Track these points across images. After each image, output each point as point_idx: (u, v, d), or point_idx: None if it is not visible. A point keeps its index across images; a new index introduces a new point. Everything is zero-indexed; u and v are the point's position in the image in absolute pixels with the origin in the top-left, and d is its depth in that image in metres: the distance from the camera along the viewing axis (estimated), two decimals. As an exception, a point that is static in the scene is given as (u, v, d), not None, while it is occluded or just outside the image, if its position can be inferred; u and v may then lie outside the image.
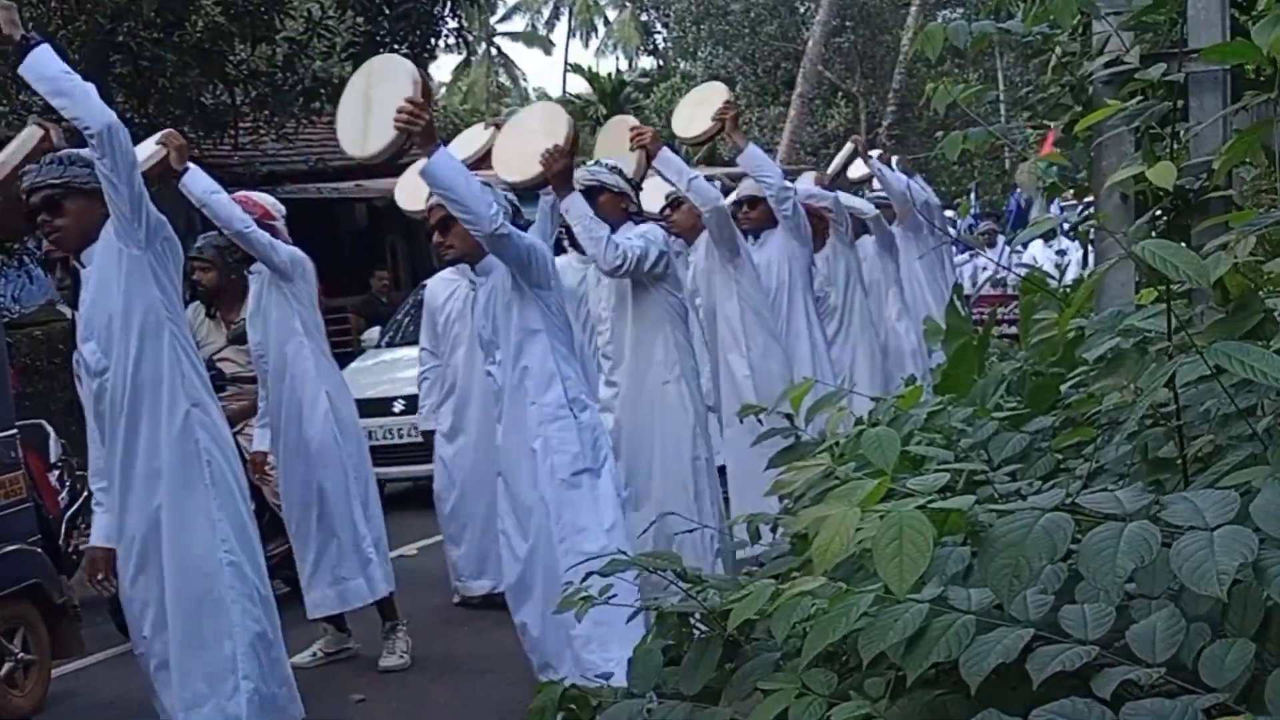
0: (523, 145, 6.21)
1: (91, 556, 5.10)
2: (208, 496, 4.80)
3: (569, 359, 5.61)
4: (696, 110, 7.54)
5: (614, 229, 6.20)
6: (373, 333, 13.73)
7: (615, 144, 7.00)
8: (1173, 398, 2.24)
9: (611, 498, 5.57)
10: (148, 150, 5.93)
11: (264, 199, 7.02)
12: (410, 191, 7.69)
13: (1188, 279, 1.93)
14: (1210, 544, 1.58)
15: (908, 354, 9.78)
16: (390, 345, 12.93)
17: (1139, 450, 2.40)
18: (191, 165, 6.24)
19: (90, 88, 4.49)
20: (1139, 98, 3.13)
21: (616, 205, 6.44)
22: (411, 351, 9.77)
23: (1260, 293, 2.29)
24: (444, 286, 8.22)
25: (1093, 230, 4.20)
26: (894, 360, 9.65)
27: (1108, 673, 1.72)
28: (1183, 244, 2.13)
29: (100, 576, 5.06)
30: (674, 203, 7.87)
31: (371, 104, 5.22)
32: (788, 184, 7.81)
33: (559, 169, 5.92)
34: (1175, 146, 2.94)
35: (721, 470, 7.69)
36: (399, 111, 4.97)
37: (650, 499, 6.43)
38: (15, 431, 6.73)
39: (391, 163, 5.39)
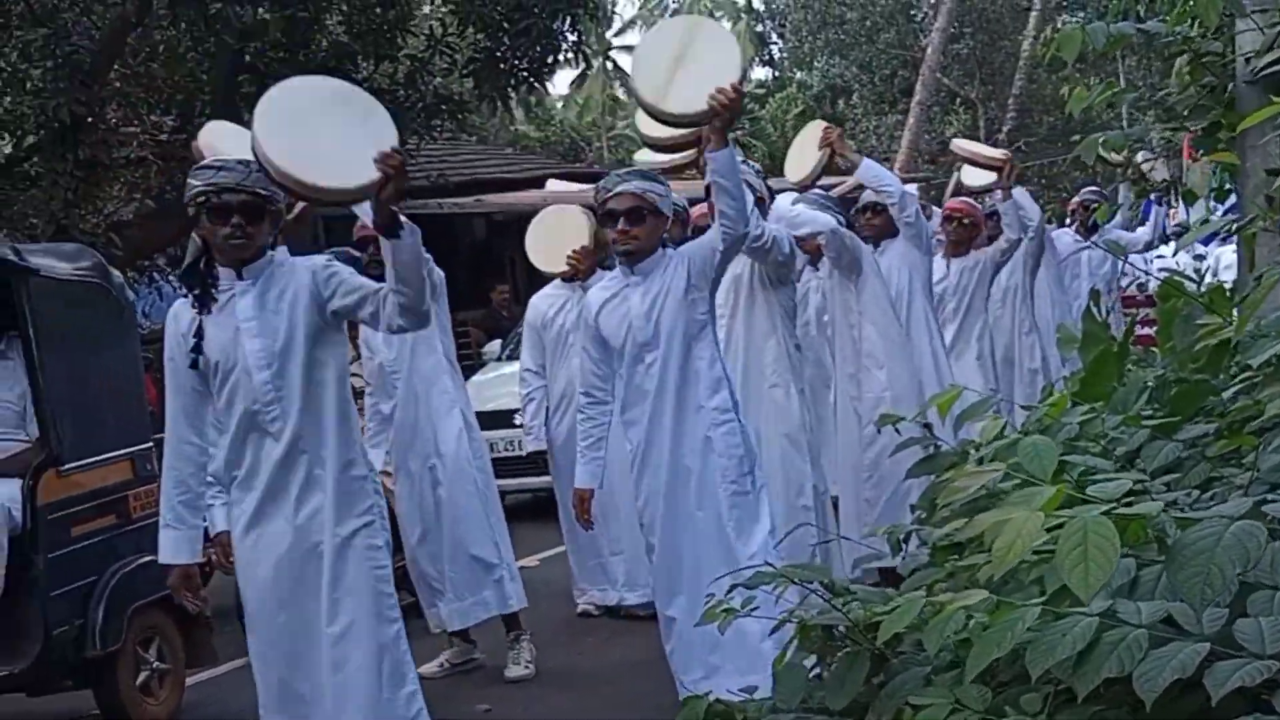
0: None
1: (221, 540, 5.04)
2: (374, 530, 4.82)
3: (726, 363, 5.70)
4: (803, 151, 7.52)
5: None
6: (494, 346, 13.83)
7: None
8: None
9: (767, 499, 5.59)
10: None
11: None
12: (545, 255, 8.01)
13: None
14: None
15: (1025, 370, 9.57)
16: (511, 358, 12.98)
17: (1305, 458, 2.31)
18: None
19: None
20: (1301, 93, 3.04)
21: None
22: (533, 365, 9.80)
23: None
24: (549, 302, 8.27)
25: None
26: (1015, 374, 9.46)
27: (1291, 690, 1.65)
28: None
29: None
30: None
31: (685, 63, 5.23)
32: (908, 190, 7.71)
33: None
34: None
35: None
36: (719, 91, 5.06)
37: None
38: (151, 445, 6.85)
39: (689, 127, 5.40)
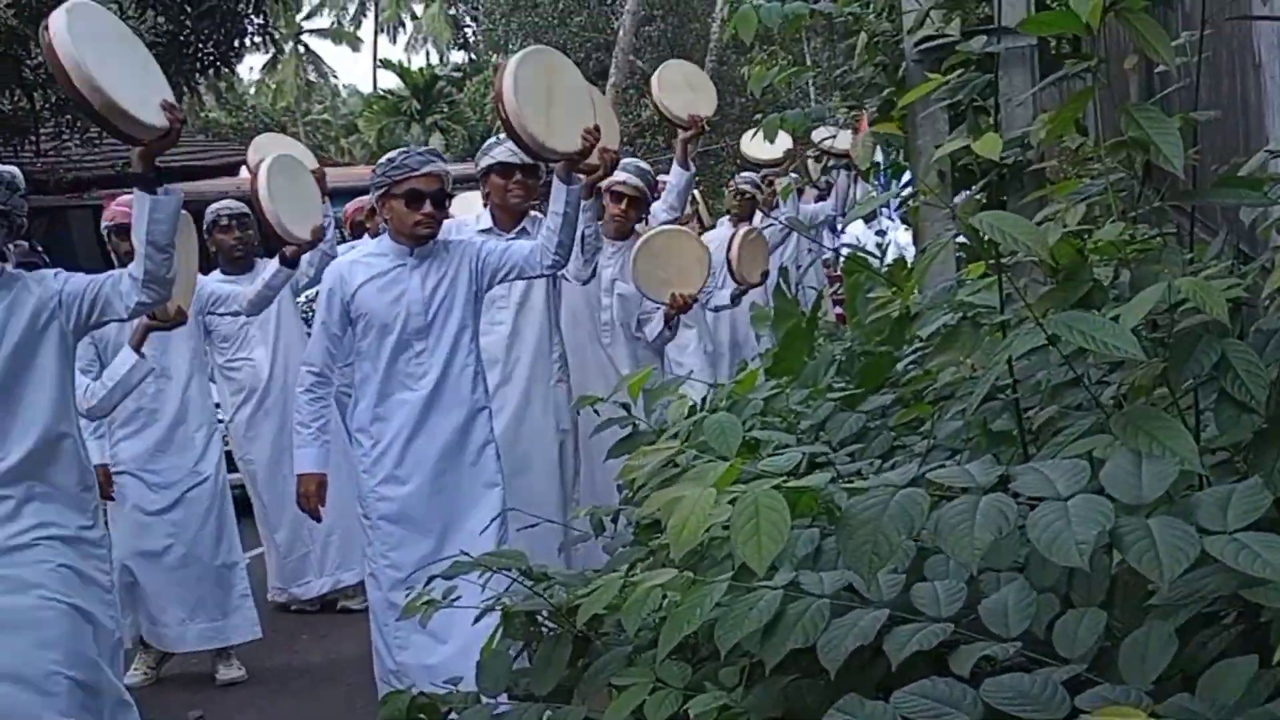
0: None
1: None
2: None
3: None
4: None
5: (518, 222, 6.15)
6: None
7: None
8: (1008, 370, 2.26)
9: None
10: None
11: None
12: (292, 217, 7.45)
13: (1026, 249, 1.94)
14: (1066, 514, 1.58)
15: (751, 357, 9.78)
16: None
17: (976, 424, 2.41)
18: None
19: None
20: (959, 72, 3.17)
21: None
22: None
23: (1088, 262, 2.32)
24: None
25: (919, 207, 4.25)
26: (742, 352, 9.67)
27: (964, 649, 1.72)
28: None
29: None
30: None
31: (554, 98, 5.27)
32: None
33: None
34: (995, 119, 2.97)
35: None
36: (588, 133, 5.22)
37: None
38: None
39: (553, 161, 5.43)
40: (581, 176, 5.45)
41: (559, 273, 6.00)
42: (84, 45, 4.19)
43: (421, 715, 2.44)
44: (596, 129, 5.28)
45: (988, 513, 1.60)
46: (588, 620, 2.30)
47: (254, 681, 6.91)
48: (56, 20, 4.20)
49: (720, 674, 2.07)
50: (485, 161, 6.13)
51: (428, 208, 5.34)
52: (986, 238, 2.08)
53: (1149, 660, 1.67)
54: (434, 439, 5.41)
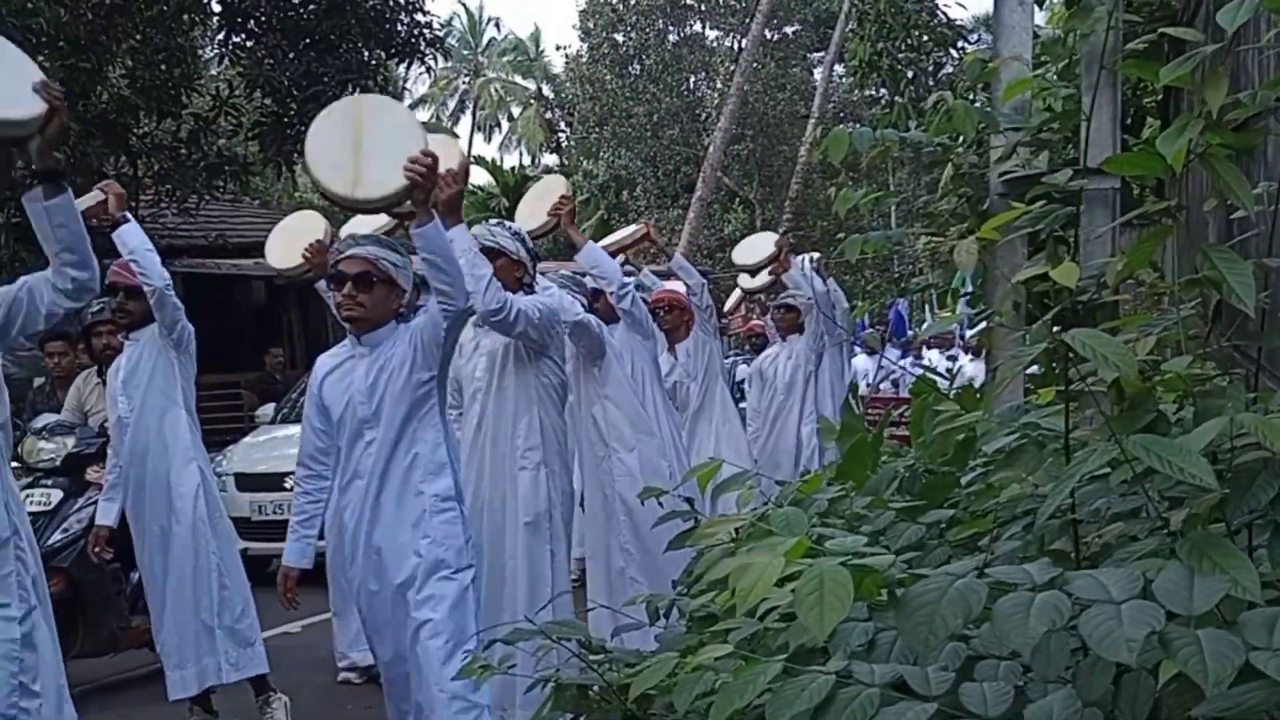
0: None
1: None
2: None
3: (456, 447, 5.42)
4: (536, 205, 7.49)
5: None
6: (267, 409, 13.66)
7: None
8: (1069, 492, 2.31)
9: (473, 599, 5.32)
10: (89, 199, 6.06)
11: None
12: (282, 251, 7.70)
13: (1115, 368, 2.00)
14: (1119, 615, 1.64)
15: (784, 451, 9.93)
16: (284, 421, 12.89)
17: (1035, 543, 2.46)
18: (129, 218, 6.41)
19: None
20: (1042, 202, 3.25)
21: (511, 273, 6.24)
22: (302, 428, 9.73)
23: (1154, 393, 2.38)
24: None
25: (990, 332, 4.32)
26: (769, 457, 9.81)
27: (1006, 749, 1.77)
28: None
29: None
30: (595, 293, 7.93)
31: (362, 148, 4.96)
32: (626, 279, 7.74)
33: (449, 195, 5.42)
34: (1074, 250, 3.05)
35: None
36: (414, 163, 4.81)
37: (501, 579, 6.39)
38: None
39: (380, 211, 5.38)
40: (433, 211, 5.05)
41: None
42: None
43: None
44: (424, 154, 4.87)
45: (1043, 606, 1.67)
46: (637, 698, 2.35)
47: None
48: None
49: (766, 756, 2.11)
50: None
51: (348, 289, 5.25)
52: (1060, 363, 2.16)
53: (1188, 776, 1.71)
54: (382, 529, 5.29)
